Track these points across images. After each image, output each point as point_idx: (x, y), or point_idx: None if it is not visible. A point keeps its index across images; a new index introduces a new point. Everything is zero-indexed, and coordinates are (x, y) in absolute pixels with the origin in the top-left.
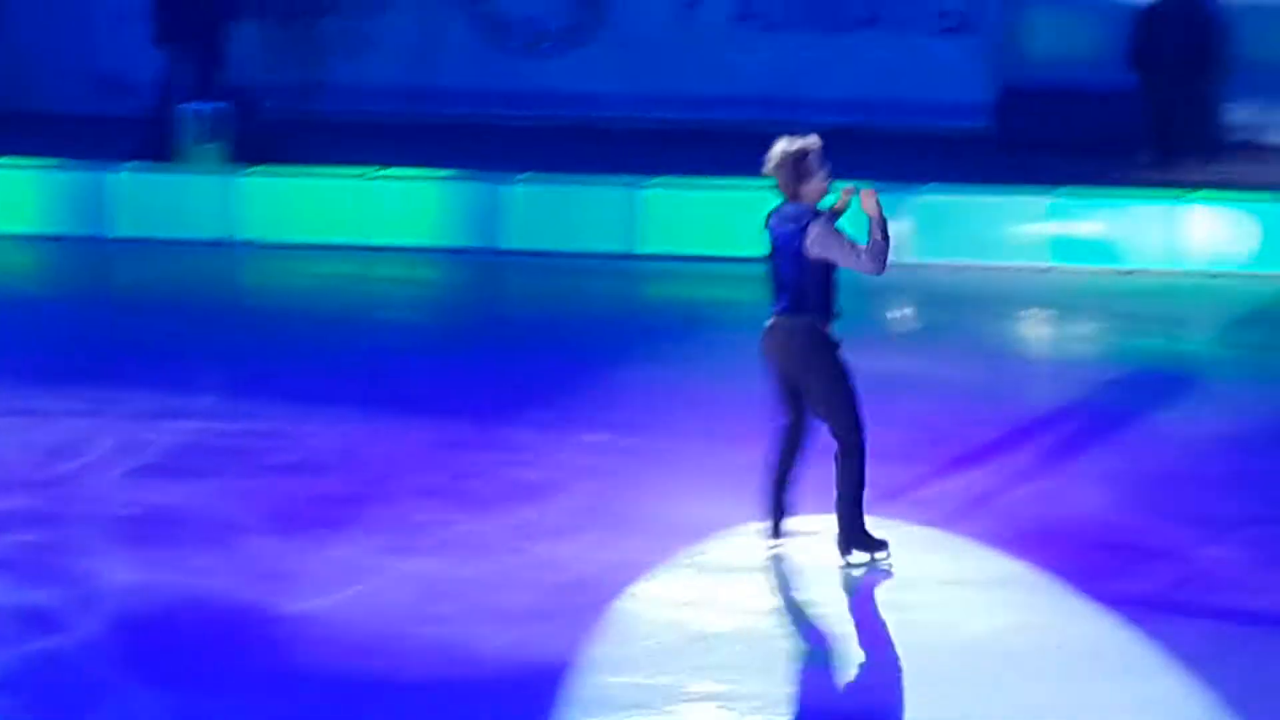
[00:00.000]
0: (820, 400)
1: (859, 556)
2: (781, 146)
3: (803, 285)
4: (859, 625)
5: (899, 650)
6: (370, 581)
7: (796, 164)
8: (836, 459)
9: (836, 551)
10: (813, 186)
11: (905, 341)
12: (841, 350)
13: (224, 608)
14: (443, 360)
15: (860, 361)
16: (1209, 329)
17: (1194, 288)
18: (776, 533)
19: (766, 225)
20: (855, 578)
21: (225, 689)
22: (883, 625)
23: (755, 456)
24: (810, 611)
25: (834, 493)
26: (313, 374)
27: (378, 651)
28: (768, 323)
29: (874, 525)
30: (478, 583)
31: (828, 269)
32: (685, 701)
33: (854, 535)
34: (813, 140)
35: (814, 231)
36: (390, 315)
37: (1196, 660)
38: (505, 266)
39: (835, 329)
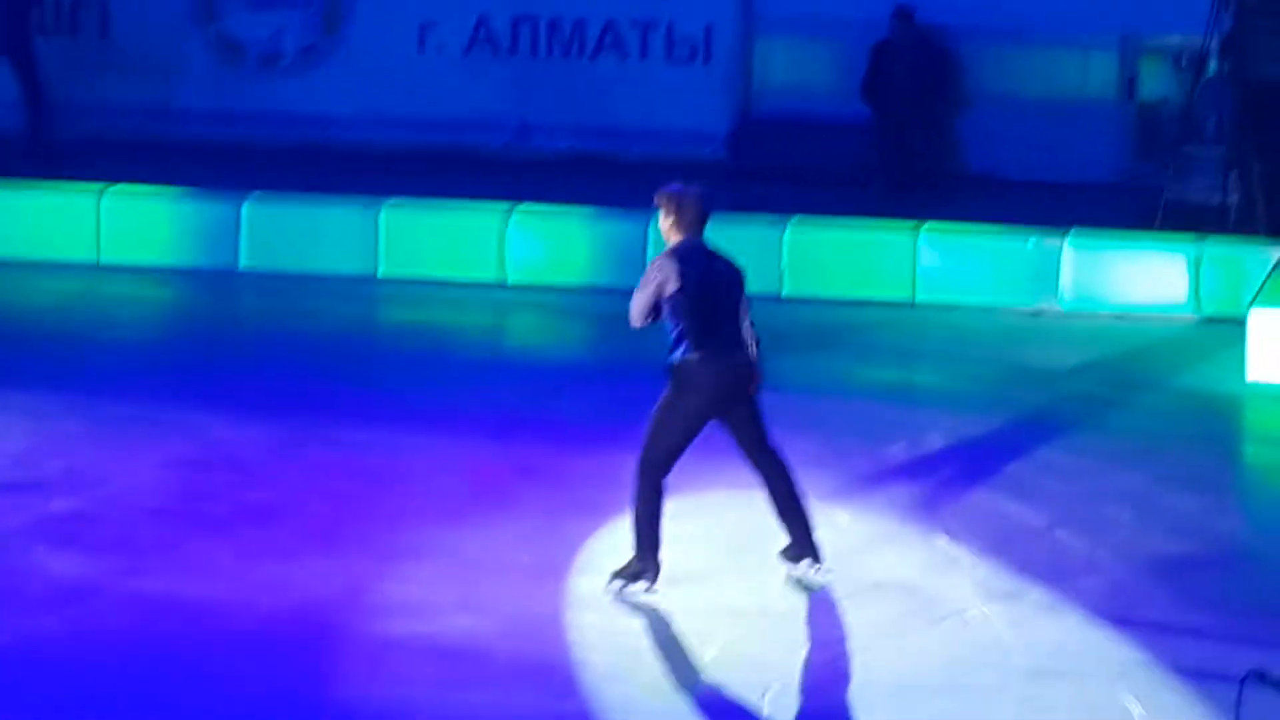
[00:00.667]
0: (762, 427)
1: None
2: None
3: (739, 323)
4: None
5: None
6: (95, 602)
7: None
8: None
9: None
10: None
11: (633, 368)
12: None
13: None
14: (174, 379)
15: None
16: (944, 362)
17: (928, 320)
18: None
19: (696, 265)
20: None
21: None
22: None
23: (487, 482)
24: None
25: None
26: (42, 391)
27: (100, 672)
28: (727, 362)
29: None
30: (205, 603)
31: None
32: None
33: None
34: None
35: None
36: (121, 334)
37: (923, 690)
38: (241, 286)
39: None
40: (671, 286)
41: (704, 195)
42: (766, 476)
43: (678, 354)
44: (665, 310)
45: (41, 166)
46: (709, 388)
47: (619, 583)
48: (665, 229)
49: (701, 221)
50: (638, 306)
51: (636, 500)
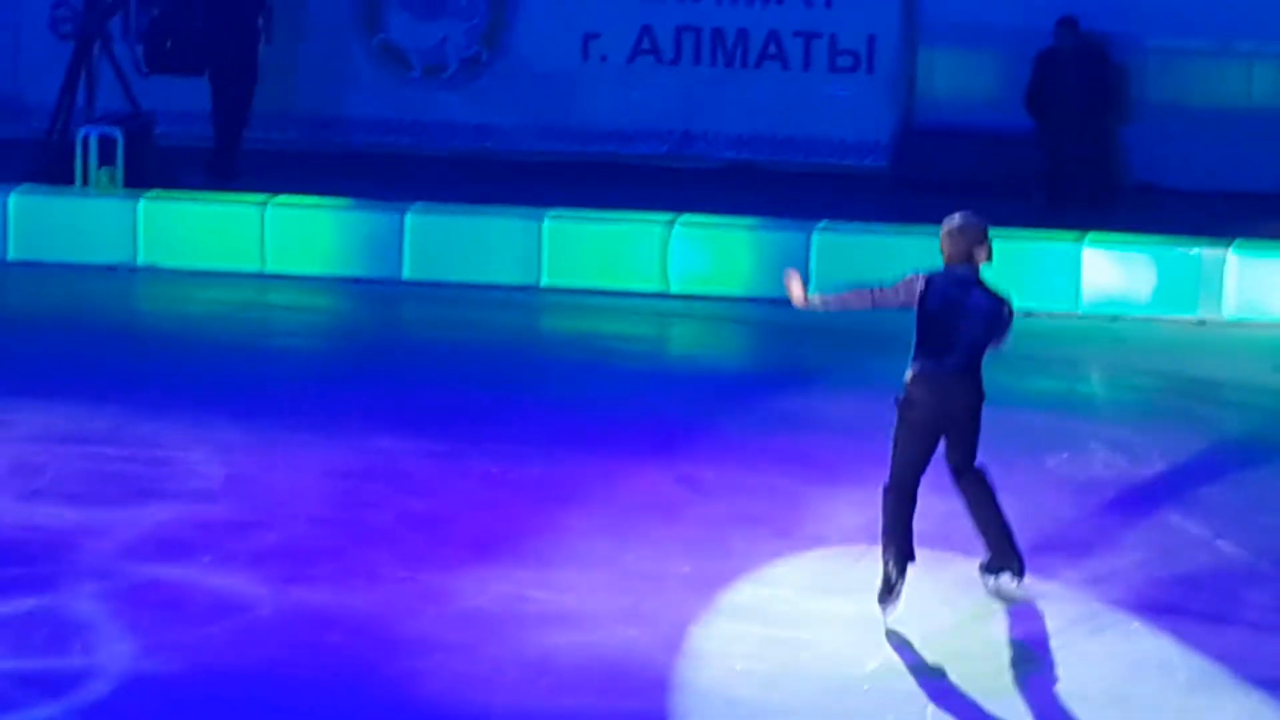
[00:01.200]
0: (971, 447)
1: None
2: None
3: (979, 348)
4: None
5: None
6: (258, 612)
7: (981, 232)
8: (972, 488)
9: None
10: (984, 253)
11: (798, 380)
12: None
13: (112, 634)
14: (337, 388)
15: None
16: (1107, 372)
17: (1091, 330)
18: (902, 573)
19: (929, 284)
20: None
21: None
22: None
23: (648, 493)
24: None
25: (981, 516)
26: (205, 400)
27: (264, 682)
28: (926, 374)
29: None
30: (368, 612)
31: None
32: None
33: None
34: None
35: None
36: (285, 342)
37: (1085, 699)
38: (404, 296)
39: None
40: (906, 302)
41: (969, 227)
42: (971, 495)
43: (905, 373)
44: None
45: (221, 181)
46: (921, 406)
47: (882, 607)
48: (946, 253)
49: (967, 253)
50: (861, 292)
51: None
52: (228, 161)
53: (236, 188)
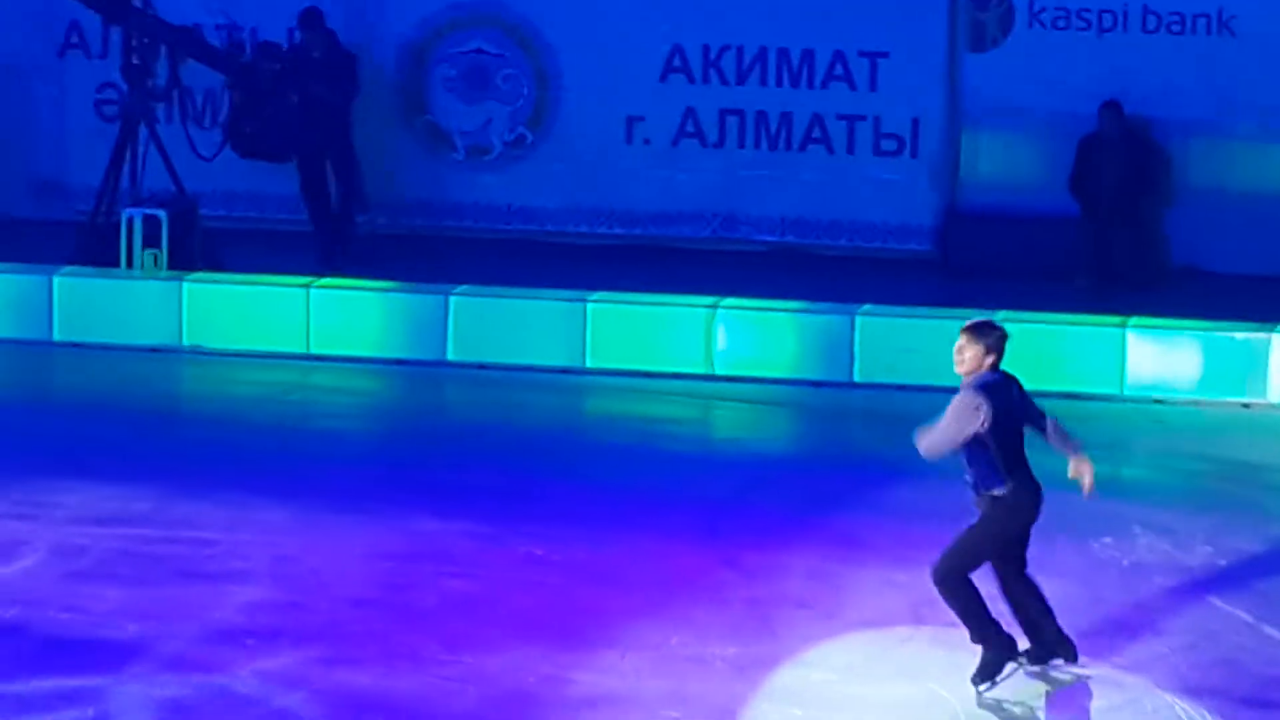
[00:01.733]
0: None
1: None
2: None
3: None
4: None
5: None
6: (303, 692)
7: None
8: (1027, 583)
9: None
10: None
11: (841, 462)
12: None
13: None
14: (380, 470)
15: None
16: (1151, 455)
17: (1135, 413)
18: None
19: (1012, 394)
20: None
21: None
22: None
23: (692, 575)
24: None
25: (1036, 608)
26: (248, 481)
27: None
28: (1030, 484)
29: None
30: (412, 695)
31: None
32: None
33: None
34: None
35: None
36: (329, 424)
37: None
38: (448, 378)
39: None
40: (986, 420)
41: (987, 326)
42: (1021, 595)
43: (998, 486)
44: (975, 443)
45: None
46: (1026, 514)
47: (985, 685)
48: (973, 360)
49: (1002, 354)
50: (945, 438)
51: (955, 602)
52: (342, 246)
53: (281, 270)
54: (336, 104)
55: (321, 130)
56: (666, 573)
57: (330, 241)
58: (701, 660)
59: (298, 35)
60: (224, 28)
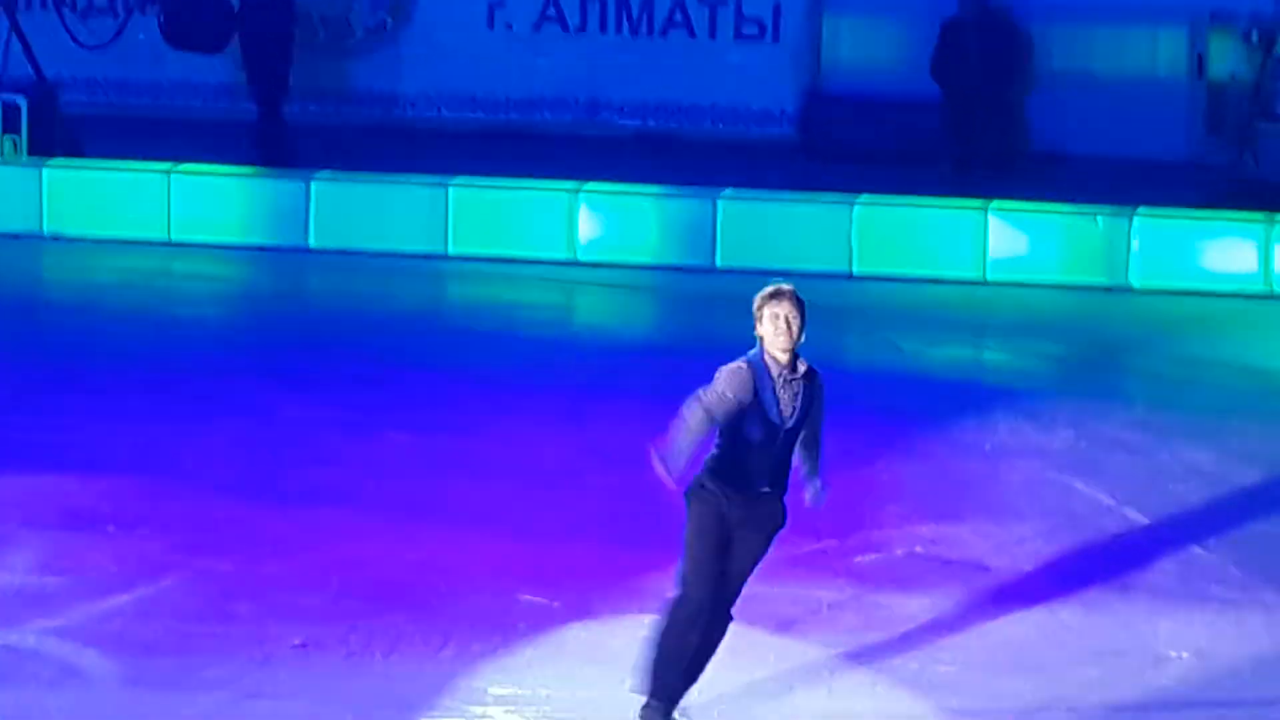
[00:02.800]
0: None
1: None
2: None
3: None
4: None
5: None
6: (166, 579)
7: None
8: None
9: None
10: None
11: (702, 347)
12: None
13: (12, 603)
14: (243, 357)
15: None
16: (1013, 339)
17: (997, 297)
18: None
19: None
20: None
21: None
22: None
23: (555, 462)
24: None
25: None
26: (112, 368)
27: (176, 648)
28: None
29: None
30: (275, 581)
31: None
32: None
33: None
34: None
35: None
36: (191, 311)
37: (993, 668)
38: (310, 265)
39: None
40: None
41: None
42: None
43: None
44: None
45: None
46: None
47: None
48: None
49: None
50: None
51: None
52: (278, 134)
53: (141, 155)
54: None
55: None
56: (531, 459)
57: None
58: (568, 539)
59: None
60: None
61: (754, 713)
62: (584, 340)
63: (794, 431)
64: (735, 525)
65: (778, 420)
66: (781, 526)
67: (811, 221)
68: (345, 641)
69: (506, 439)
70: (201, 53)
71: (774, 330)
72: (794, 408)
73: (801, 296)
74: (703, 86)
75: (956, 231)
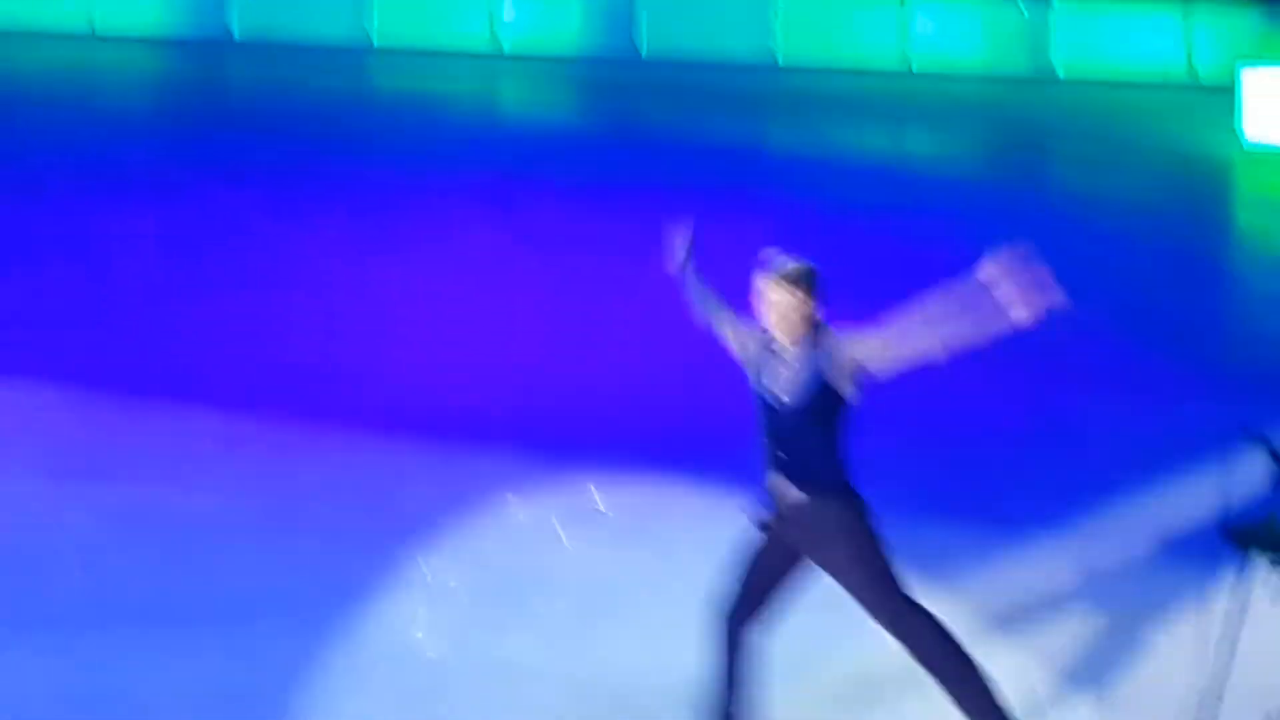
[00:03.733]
0: None
1: None
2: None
3: None
4: None
5: None
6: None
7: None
8: None
9: None
10: None
11: (628, 135)
12: None
13: None
14: (168, 148)
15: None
16: (938, 130)
17: (921, 88)
18: None
19: None
20: None
21: None
22: None
23: (482, 250)
24: None
25: None
26: (38, 158)
27: None
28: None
29: None
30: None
31: None
32: None
33: None
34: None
35: None
36: (115, 102)
37: None
38: (233, 55)
39: None
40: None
41: None
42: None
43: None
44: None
45: None
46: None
47: None
48: (808, 312)
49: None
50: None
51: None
52: None
53: None
54: None
55: None
56: (459, 247)
57: None
58: (498, 328)
59: None
60: None
61: None
62: (509, 129)
63: (801, 415)
64: (783, 534)
65: (773, 401)
66: (853, 520)
67: (732, 6)
68: None
69: (434, 226)
70: None
71: (771, 317)
72: (796, 386)
73: (812, 269)
74: None
75: (877, 21)
